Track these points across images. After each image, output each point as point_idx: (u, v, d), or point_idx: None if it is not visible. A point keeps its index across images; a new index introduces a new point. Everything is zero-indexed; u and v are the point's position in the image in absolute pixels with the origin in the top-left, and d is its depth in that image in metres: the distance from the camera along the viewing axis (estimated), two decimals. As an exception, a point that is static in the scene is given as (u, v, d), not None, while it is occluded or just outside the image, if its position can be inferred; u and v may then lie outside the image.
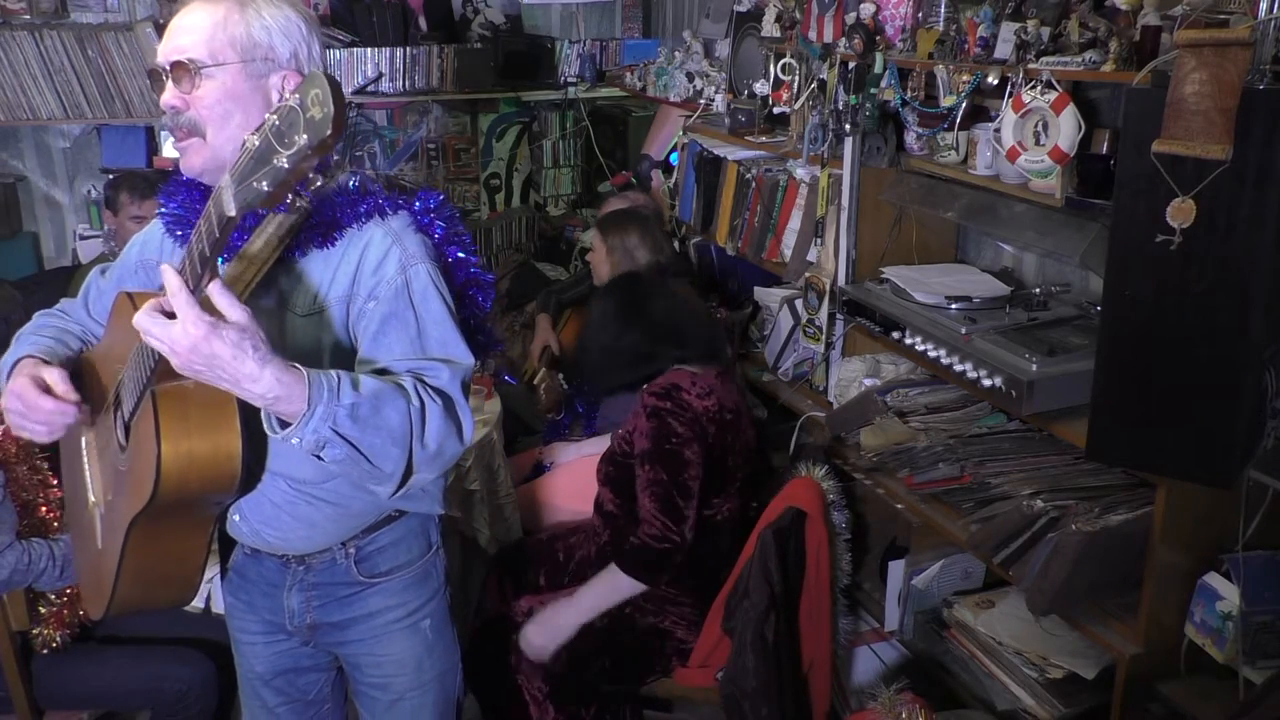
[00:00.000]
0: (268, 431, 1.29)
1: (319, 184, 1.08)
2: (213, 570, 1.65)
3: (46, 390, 1.45)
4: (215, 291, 1.20)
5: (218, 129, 1.40)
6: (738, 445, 2.40)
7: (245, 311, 1.21)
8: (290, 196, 1.08)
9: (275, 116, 1.04)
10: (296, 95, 1.02)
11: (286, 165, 1.03)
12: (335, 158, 1.43)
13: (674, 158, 3.98)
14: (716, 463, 2.35)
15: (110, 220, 3.52)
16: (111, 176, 3.64)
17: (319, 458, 1.30)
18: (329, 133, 1.00)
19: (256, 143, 1.05)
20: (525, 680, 2.37)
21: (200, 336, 1.17)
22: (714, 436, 2.33)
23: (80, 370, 1.57)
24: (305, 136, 1.01)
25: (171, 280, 1.18)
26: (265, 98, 1.42)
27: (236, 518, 1.59)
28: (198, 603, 2.51)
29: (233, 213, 1.09)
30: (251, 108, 1.40)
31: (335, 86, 1.00)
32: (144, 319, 1.19)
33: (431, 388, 1.38)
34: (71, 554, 2.16)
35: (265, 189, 1.05)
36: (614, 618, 2.38)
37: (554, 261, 4.83)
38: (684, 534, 2.28)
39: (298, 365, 1.26)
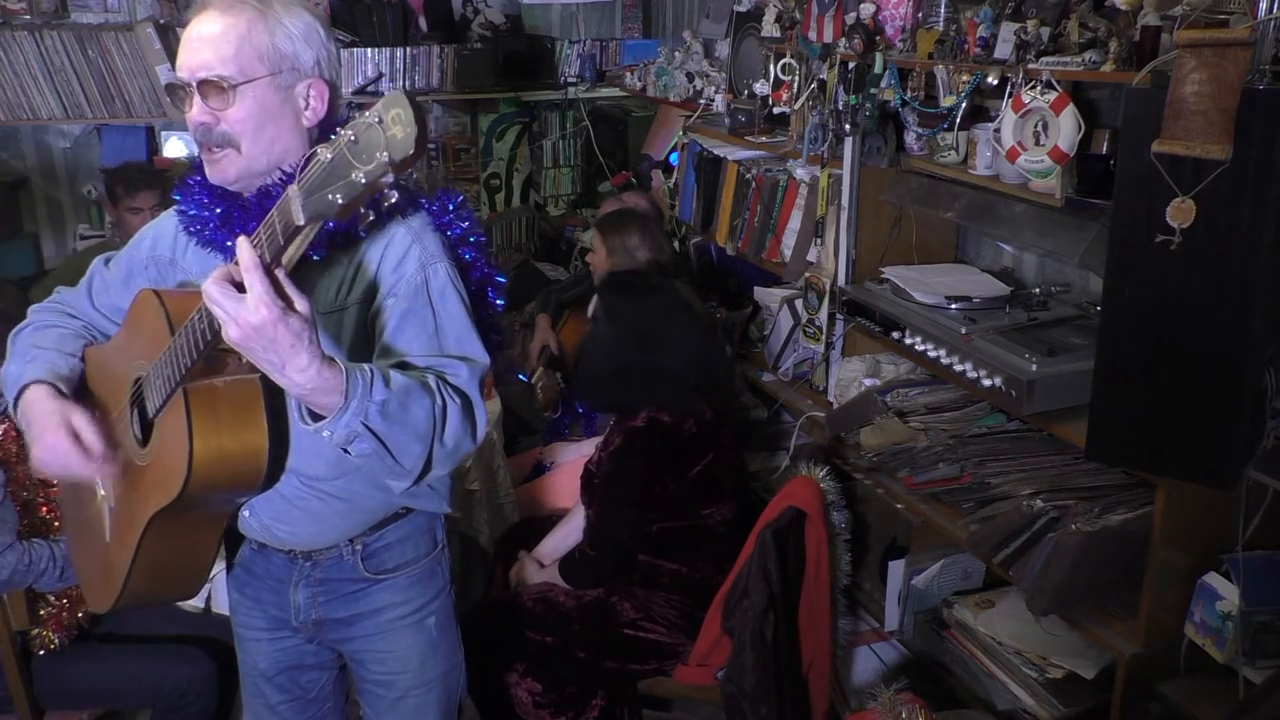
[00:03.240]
0: (301, 423, 1.29)
1: (394, 200, 1.10)
2: (216, 569, 1.65)
3: (76, 437, 1.46)
4: (284, 281, 1.20)
5: (251, 141, 1.40)
6: (721, 455, 2.42)
7: (309, 304, 1.22)
8: (363, 210, 1.11)
9: (350, 132, 1.06)
10: (375, 114, 1.04)
11: (364, 180, 1.05)
12: (415, 175, 1.44)
13: (674, 158, 3.98)
14: (702, 474, 2.39)
15: (111, 212, 3.54)
16: (108, 169, 3.64)
17: (346, 451, 1.30)
18: (412, 151, 1.03)
19: (329, 156, 1.07)
20: (516, 681, 2.37)
21: (270, 319, 1.16)
22: (692, 452, 2.37)
23: (86, 369, 1.58)
24: (386, 154, 1.04)
25: (246, 255, 1.16)
26: (294, 107, 1.43)
27: (247, 513, 1.60)
28: (197, 602, 2.51)
29: (302, 222, 1.11)
30: (282, 119, 1.42)
31: (416, 106, 1.04)
32: (215, 290, 1.18)
33: (452, 386, 1.40)
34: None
35: (339, 201, 1.07)
36: (597, 609, 2.41)
37: (554, 261, 4.84)
38: (600, 547, 2.43)
39: (335, 359, 1.26)
